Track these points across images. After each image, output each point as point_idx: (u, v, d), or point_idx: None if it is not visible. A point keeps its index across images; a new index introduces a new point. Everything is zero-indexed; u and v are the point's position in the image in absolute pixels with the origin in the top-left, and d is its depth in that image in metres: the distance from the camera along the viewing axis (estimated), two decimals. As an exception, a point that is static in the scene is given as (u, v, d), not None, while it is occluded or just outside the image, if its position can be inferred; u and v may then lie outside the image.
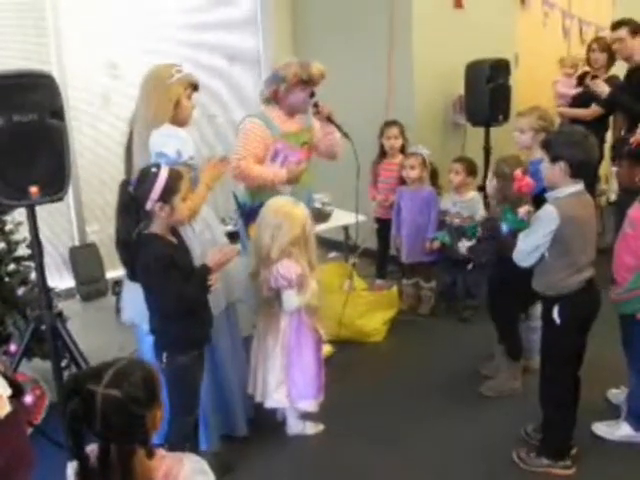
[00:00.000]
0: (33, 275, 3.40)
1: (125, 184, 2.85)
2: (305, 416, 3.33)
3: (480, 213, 4.36)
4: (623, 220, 3.04)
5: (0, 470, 1.74)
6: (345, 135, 3.59)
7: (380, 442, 3.25)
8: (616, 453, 3.05)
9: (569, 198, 2.76)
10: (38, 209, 2.98)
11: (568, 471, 2.94)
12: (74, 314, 3.83)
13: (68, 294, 4.59)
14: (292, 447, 3.26)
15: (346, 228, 4.65)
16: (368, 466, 3.08)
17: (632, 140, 3.74)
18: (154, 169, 2.51)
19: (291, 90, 3.45)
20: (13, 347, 3.30)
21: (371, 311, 4.34)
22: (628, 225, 3.00)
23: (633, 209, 3.01)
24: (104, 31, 4.82)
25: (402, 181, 4.66)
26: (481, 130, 5.19)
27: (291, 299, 3.10)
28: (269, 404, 3.24)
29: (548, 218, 2.73)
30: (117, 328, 3.45)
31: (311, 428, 3.34)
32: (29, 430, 2.95)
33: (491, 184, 3.42)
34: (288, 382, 3.20)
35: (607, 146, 5.13)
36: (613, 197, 5.89)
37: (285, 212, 3.09)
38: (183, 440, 2.69)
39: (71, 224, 4.98)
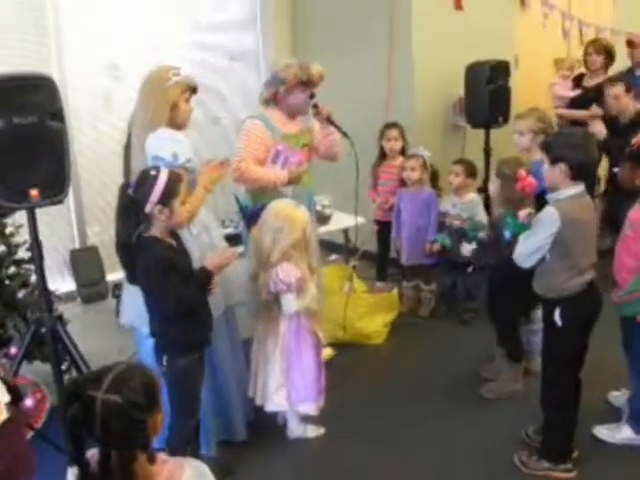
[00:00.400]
0: (33, 278, 3.39)
1: (125, 186, 2.85)
2: (306, 419, 3.33)
3: (480, 215, 4.36)
4: (613, 219, 3.03)
5: (1, 475, 1.74)
6: (345, 135, 3.59)
7: (381, 445, 3.24)
8: (617, 456, 3.05)
9: (570, 200, 2.76)
10: (38, 211, 2.98)
11: (569, 474, 2.93)
12: (75, 317, 3.83)
13: (69, 297, 4.59)
14: (293, 450, 3.26)
15: (346, 230, 4.65)
16: (369, 469, 3.08)
17: (634, 142, 3.74)
18: (153, 172, 2.50)
19: (291, 91, 3.45)
20: (13, 350, 3.30)
21: (371, 313, 4.33)
22: (628, 227, 3.00)
23: (633, 211, 3.00)
24: (105, 32, 4.82)
25: (402, 183, 4.66)
26: (481, 132, 5.18)
27: (290, 303, 3.09)
28: (269, 407, 3.23)
29: (549, 220, 2.73)
30: (117, 331, 3.44)
31: (312, 431, 3.34)
32: (30, 434, 2.95)
33: (494, 186, 3.40)
34: (288, 385, 3.19)
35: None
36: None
37: (286, 215, 3.08)
38: (184, 444, 2.69)
39: (71, 226, 4.98)
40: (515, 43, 5.72)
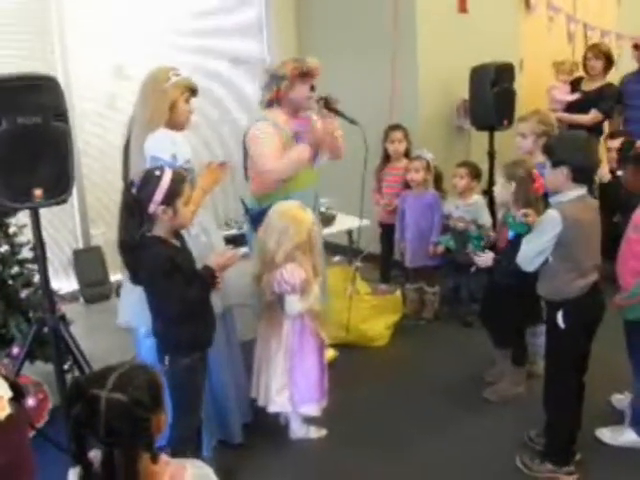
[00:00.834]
0: (37, 278, 3.40)
1: (129, 186, 2.85)
2: (308, 420, 3.32)
3: (484, 217, 4.35)
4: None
5: (1, 470, 1.73)
6: (353, 122, 3.55)
7: (383, 447, 3.24)
8: (620, 459, 3.03)
9: (572, 202, 2.75)
10: (42, 211, 2.98)
11: (572, 477, 2.92)
12: (78, 317, 3.84)
13: (72, 297, 4.59)
14: (295, 451, 3.25)
15: (350, 232, 4.64)
16: (370, 471, 3.07)
17: (638, 144, 3.74)
18: (157, 172, 2.51)
19: (293, 85, 3.45)
20: (16, 350, 3.30)
21: (375, 315, 4.33)
22: (632, 229, 2.99)
23: (637, 213, 3.00)
24: (110, 33, 4.84)
25: (406, 185, 4.66)
26: (485, 134, 5.18)
27: (294, 304, 3.09)
28: (272, 408, 3.23)
29: (551, 223, 2.72)
30: (120, 331, 3.44)
31: (314, 432, 3.33)
32: (32, 433, 2.95)
33: (506, 190, 3.32)
34: (291, 386, 3.19)
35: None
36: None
37: (291, 216, 3.09)
38: (185, 444, 2.69)
39: (75, 227, 4.99)
40: (520, 46, 5.72)
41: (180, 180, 2.53)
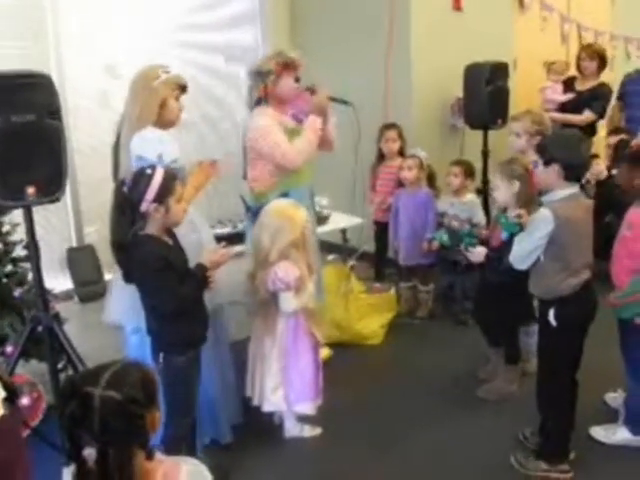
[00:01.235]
0: (30, 276, 3.39)
1: (120, 185, 2.85)
2: (302, 419, 3.32)
3: (479, 215, 4.35)
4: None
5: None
6: (345, 102, 3.61)
7: (377, 445, 3.24)
8: (614, 457, 3.04)
9: (564, 201, 2.75)
10: (36, 210, 2.97)
11: (566, 475, 2.93)
12: (72, 315, 3.82)
13: (66, 295, 4.58)
14: (289, 450, 3.25)
15: (344, 231, 4.64)
16: (364, 469, 3.07)
17: (633, 143, 3.75)
18: (149, 170, 2.50)
19: (279, 79, 3.46)
20: (10, 348, 3.29)
21: (369, 314, 4.33)
22: (626, 228, 3.00)
23: (631, 212, 3.01)
24: (103, 32, 4.83)
25: (400, 184, 4.66)
26: (479, 133, 5.19)
27: (288, 302, 3.09)
28: (267, 407, 3.22)
29: (543, 221, 2.72)
30: (114, 330, 3.43)
31: (308, 431, 3.33)
32: (26, 432, 2.94)
33: (509, 190, 3.30)
34: (285, 385, 3.19)
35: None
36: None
37: (285, 215, 3.09)
38: (180, 442, 2.69)
39: (69, 225, 4.97)
40: (514, 45, 5.73)
41: (172, 178, 2.53)
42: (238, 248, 3.54)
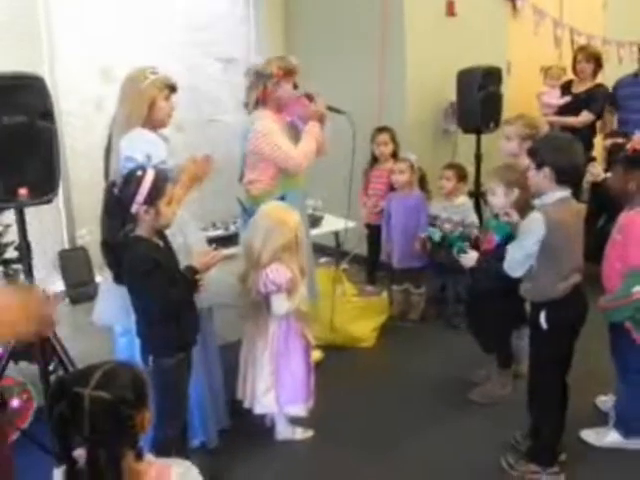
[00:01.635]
0: (22, 278, 3.37)
1: (111, 186, 2.84)
2: (294, 422, 3.32)
3: (471, 218, 4.36)
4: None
5: None
6: (339, 111, 3.65)
7: (368, 448, 3.24)
8: (604, 460, 3.05)
9: (555, 204, 2.75)
10: (28, 211, 2.96)
11: (556, 477, 2.93)
12: (63, 317, 3.81)
13: (57, 297, 4.55)
14: (280, 453, 3.25)
15: (337, 234, 4.65)
16: (357, 472, 3.08)
17: (629, 146, 3.75)
18: (139, 172, 2.50)
19: (279, 84, 3.49)
20: (0, 350, 3.27)
21: (361, 317, 4.34)
22: (617, 231, 3.01)
23: (623, 215, 3.02)
24: (97, 35, 4.81)
25: (392, 187, 4.67)
26: (472, 137, 5.20)
27: (280, 304, 3.09)
28: (258, 410, 3.22)
29: (535, 225, 2.73)
30: (106, 331, 3.42)
31: (300, 434, 3.33)
32: (16, 434, 2.93)
33: (508, 198, 3.30)
34: (277, 387, 3.18)
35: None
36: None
37: (278, 217, 3.09)
38: (169, 445, 2.67)
39: (61, 227, 4.96)
40: (507, 50, 5.75)
41: (162, 180, 2.52)
42: (230, 250, 3.54)
